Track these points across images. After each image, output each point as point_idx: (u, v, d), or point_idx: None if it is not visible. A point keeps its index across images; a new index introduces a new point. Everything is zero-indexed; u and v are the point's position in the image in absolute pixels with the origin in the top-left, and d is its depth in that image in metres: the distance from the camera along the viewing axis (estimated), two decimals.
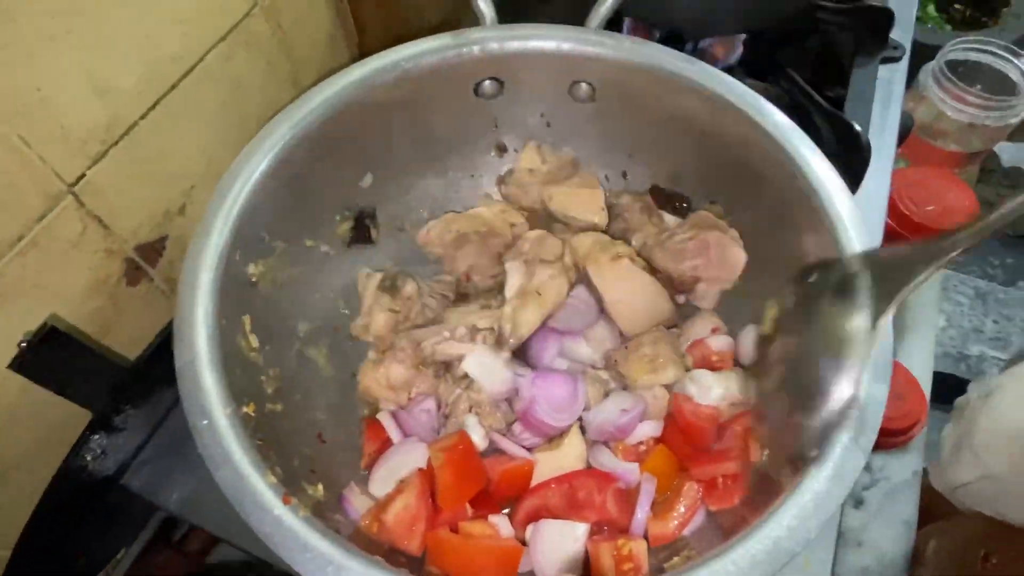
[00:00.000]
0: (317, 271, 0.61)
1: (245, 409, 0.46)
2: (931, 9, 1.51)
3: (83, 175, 0.50)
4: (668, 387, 0.58)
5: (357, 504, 0.53)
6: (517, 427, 0.58)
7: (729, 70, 0.79)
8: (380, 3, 0.74)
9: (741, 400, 0.55)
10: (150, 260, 0.59)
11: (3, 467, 0.53)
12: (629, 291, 0.61)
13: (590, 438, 0.57)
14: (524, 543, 0.52)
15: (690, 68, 0.57)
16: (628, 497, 0.53)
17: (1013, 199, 0.38)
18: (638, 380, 0.58)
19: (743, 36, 0.80)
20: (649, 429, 0.57)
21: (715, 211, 0.63)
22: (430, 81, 0.59)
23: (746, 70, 0.79)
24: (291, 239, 0.57)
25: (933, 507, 0.92)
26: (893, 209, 1.05)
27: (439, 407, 0.59)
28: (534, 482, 0.55)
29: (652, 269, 0.63)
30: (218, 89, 0.60)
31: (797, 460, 0.43)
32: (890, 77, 0.80)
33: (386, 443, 0.58)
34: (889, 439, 1.02)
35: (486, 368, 0.58)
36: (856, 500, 1.00)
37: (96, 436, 0.55)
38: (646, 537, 0.51)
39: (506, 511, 0.55)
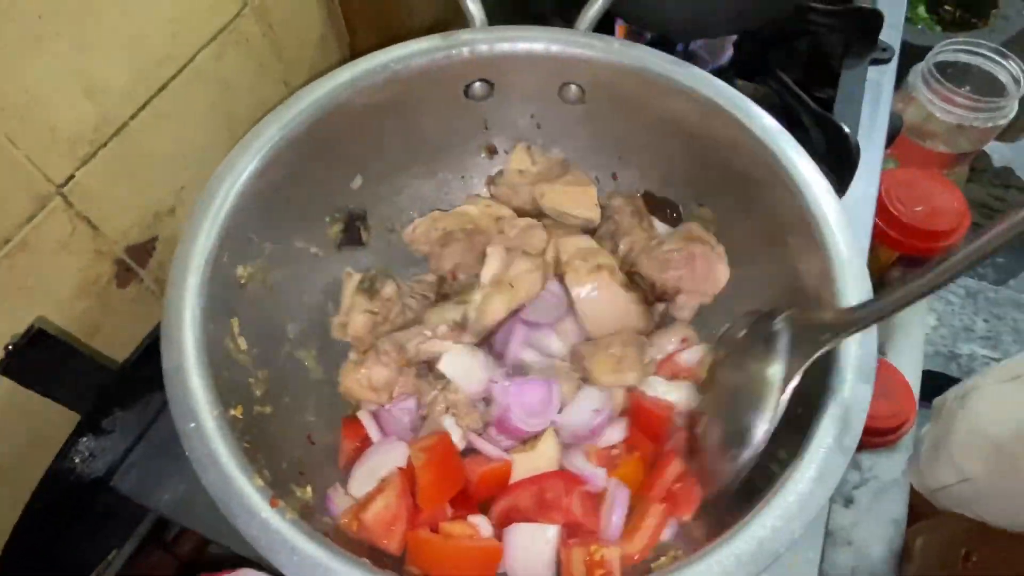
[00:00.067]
0: (307, 273, 0.61)
1: (233, 412, 0.46)
2: (921, 10, 1.52)
3: (72, 176, 0.50)
4: (627, 389, 0.59)
5: (339, 503, 0.53)
6: (493, 429, 0.58)
7: (720, 71, 0.79)
8: (371, 4, 0.74)
9: (691, 411, 0.57)
10: (140, 261, 0.59)
11: None
12: (602, 304, 0.61)
13: (565, 442, 0.57)
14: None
15: (679, 70, 0.57)
16: (594, 500, 0.54)
17: (914, 282, 0.40)
18: (601, 379, 0.58)
19: (733, 37, 0.80)
20: (617, 433, 0.57)
21: (704, 213, 0.63)
22: (420, 83, 0.59)
23: (736, 71, 0.79)
24: (280, 241, 0.57)
25: (922, 505, 0.92)
26: (882, 209, 1.06)
27: (418, 407, 0.59)
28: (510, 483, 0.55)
29: (633, 278, 0.63)
30: (208, 90, 0.60)
31: (721, 486, 0.48)
32: (879, 78, 0.81)
33: (364, 441, 0.58)
34: (878, 438, 1.03)
35: (462, 368, 0.58)
36: (846, 499, 1.01)
37: (84, 438, 0.55)
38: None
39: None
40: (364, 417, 0.58)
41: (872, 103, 0.78)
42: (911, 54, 1.05)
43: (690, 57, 0.79)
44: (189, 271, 0.48)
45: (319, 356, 0.60)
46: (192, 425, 0.43)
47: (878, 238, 1.08)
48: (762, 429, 0.45)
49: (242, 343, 0.52)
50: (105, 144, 0.52)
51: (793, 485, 0.41)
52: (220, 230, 0.50)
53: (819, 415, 0.43)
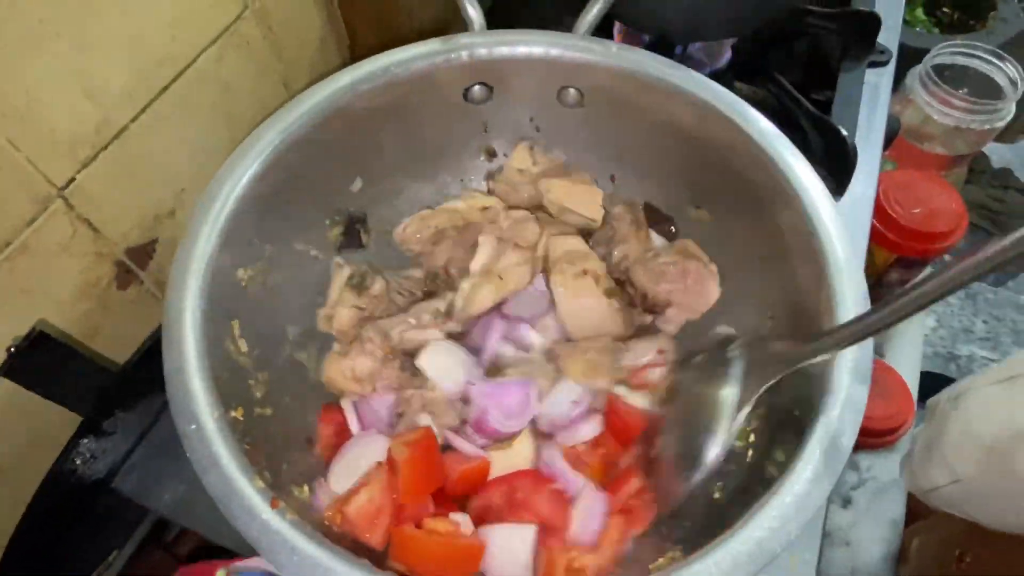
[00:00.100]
0: (307, 275, 0.62)
1: (233, 413, 0.46)
2: (919, 13, 1.53)
3: (73, 178, 0.51)
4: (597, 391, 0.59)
5: (323, 496, 0.52)
6: (469, 428, 0.58)
7: (718, 74, 0.79)
8: (370, 7, 0.75)
9: (649, 429, 0.57)
10: (141, 263, 0.59)
11: None
12: (583, 310, 0.62)
13: (543, 430, 0.58)
14: None
15: (677, 74, 0.58)
16: (562, 499, 0.53)
17: (874, 314, 0.40)
18: (573, 378, 0.58)
19: (732, 40, 0.81)
20: (592, 428, 0.57)
21: (701, 215, 0.63)
22: (419, 86, 0.59)
23: (735, 74, 0.80)
24: (281, 243, 0.57)
25: (919, 506, 0.93)
26: (880, 211, 1.06)
27: (396, 404, 0.59)
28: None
29: (623, 286, 0.64)
30: (208, 92, 0.60)
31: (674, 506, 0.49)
32: (877, 81, 0.81)
33: (340, 427, 0.57)
34: (876, 439, 1.03)
35: (442, 367, 0.58)
36: (844, 500, 1.01)
37: (86, 440, 0.56)
38: None
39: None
40: (347, 406, 0.58)
41: (870, 105, 0.79)
42: (909, 56, 1.05)
43: (688, 60, 0.79)
44: (189, 273, 0.48)
45: (319, 358, 0.61)
46: (193, 427, 0.43)
47: (876, 240, 1.08)
48: (713, 453, 0.46)
49: (243, 345, 0.52)
50: (106, 146, 0.52)
51: (790, 486, 0.41)
52: (220, 233, 0.50)
53: (816, 416, 0.43)
